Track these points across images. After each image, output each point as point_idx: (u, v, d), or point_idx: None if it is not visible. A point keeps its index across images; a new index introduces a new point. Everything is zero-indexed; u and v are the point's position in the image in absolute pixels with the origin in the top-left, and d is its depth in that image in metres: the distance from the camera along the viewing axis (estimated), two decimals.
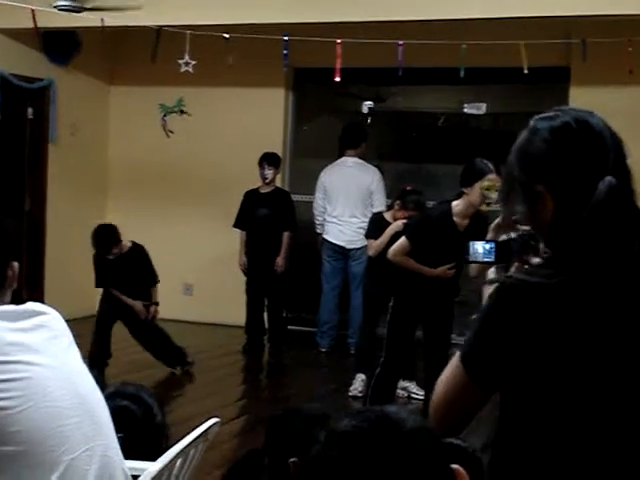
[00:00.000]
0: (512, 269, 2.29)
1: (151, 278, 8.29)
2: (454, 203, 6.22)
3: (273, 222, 9.29)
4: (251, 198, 9.41)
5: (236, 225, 9.47)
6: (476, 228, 5.90)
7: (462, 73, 8.17)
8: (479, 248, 2.41)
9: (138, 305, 8.13)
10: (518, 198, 2.09)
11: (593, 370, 1.96)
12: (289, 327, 10.08)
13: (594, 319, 1.97)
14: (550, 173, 2.03)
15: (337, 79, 8.34)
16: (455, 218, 6.18)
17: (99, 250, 8.00)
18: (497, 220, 2.47)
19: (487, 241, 2.41)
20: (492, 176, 5.96)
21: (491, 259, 2.39)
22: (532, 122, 2.10)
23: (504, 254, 2.36)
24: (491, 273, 2.35)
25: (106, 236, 7.99)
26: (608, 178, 1.97)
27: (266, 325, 9.58)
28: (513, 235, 2.35)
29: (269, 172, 9.33)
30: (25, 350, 2.58)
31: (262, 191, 9.41)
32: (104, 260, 8.02)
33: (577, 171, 2.00)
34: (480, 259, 2.42)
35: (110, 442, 2.73)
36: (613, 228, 1.97)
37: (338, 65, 8.32)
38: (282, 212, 9.33)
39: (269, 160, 9.38)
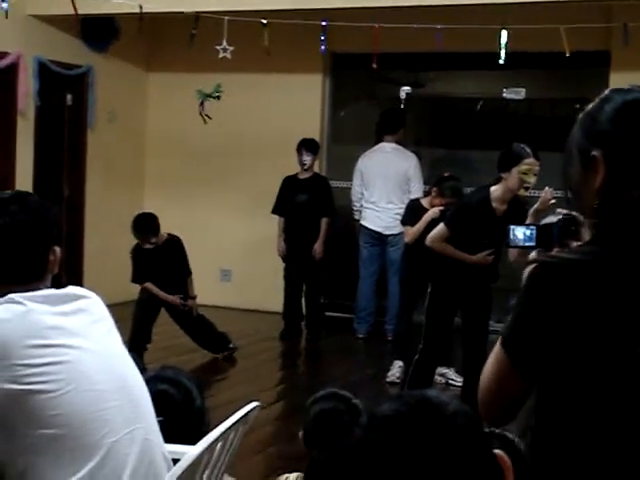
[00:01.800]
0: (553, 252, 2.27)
1: (185, 270, 8.32)
2: (492, 188, 6.19)
3: (312, 208, 9.29)
4: (290, 184, 9.41)
5: (275, 211, 9.47)
6: (514, 213, 5.87)
7: (502, 59, 8.11)
8: (519, 233, 2.40)
9: (175, 300, 8.15)
10: (573, 166, 2.06)
11: (639, 352, 1.93)
12: (327, 313, 10.06)
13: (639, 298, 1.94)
14: (611, 139, 2.01)
15: (374, 65, 8.31)
16: (493, 203, 6.14)
17: (140, 238, 8.03)
18: (536, 205, 2.46)
19: (527, 226, 2.39)
20: (530, 160, 5.92)
21: (532, 244, 2.38)
22: (607, 92, 2.09)
23: (545, 238, 2.34)
24: (534, 256, 2.33)
25: (146, 224, 8.02)
26: None
27: (304, 311, 9.59)
28: (554, 219, 2.33)
29: (307, 158, 9.32)
30: (66, 334, 2.60)
31: (301, 177, 9.41)
32: (142, 252, 8.05)
33: (637, 144, 1.99)
34: (521, 244, 2.40)
35: (151, 426, 2.75)
36: None
37: (376, 50, 8.29)
38: (320, 198, 9.32)
39: (307, 146, 9.37)
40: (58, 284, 2.76)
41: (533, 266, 2.04)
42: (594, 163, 2.01)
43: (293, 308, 9.54)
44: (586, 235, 2.14)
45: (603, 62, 9.16)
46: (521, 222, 2.56)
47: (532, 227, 2.38)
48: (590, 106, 2.09)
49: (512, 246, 2.43)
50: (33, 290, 2.64)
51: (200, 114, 9.52)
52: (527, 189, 6.04)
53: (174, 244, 8.20)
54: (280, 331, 9.46)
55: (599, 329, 1.93)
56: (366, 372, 8.28)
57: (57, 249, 2.77)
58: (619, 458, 1.95)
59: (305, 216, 9.29)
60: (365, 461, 1.36)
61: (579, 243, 2.19)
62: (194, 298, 8.33)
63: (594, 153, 2.01)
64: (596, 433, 1.96)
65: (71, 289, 2.74)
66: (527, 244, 2.39)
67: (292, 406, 7.06)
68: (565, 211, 2.26)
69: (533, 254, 2.34)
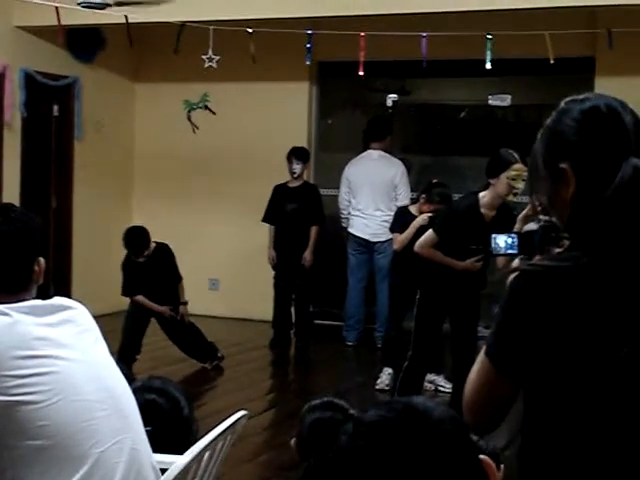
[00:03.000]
0: (534, 260, 2.28)
1: (176, 276, 8.31)
2: (481, 194, 6.20)
3: (302, 216, 9.29)
4: (280, 193, 9.39)
5: (265, 220, 9.47)
6: (503, 219, 5.89)
7: (488, 64, 8.13)
8: (501, 242, 2.41)
9: (166, 311, 8.14)
10: (542, 180, 2.09)
11: (622, 354, 1.94)
12: (316, 321, 10.08)
13: (621, 302, 1.95)
14: (577, 150, 2.03)
15: (361, 73, 8.32)
16: (482, 209, 6.16)
17: (132, 253, 8.00)
18: (525, 211, 2.47)
19: (509, 234, 2.40)
20: (518, 166, 5.94)
21: (514, 251, 2.39)
22: (562, 104, 2.12)
23: (527, 246, 2.35)
24: (516, 264, 2.34)
25: (138, 238, 7.98)
26: (633, 159, 1.97)
27: (293, 320, 9.59)
28: (535, 227, 2.34)
29: (297, 166, 9.31)
30: (52, 345, 2.60)
31: (291, 186, 9.39)
32: (133, 264, 8.02)
33: (603, 151, 2.01)
34: (503, 252, 2.42)
35: (138, 435, 2.75)
36: (638, 207, 1.96)
37: (362, 58, 8.30)
38: (311, 206, 9.33)
39: (297, 154, 9.37)
40: (46, 295, 2.76)
41: (514, 275, 2.05)
42: (564, 175, 2.03)
43: (282, 317, 9.51)
44: (566, 241, 2.15)
45: (588, 68, 9.20)
46: (510, 228, 2.56)
47: (513, 235, 2.40)
48: (549, 119, 2.12)
49: (495, 254, 2.45)
50: (19, 301, 2.63)
51: (189, 121, 9.57)
52: (516, 195, 6.05)
53: (163, 252, 8.18)
54: (269, 340, 9.45)
55: (582, 333, 1.94)
56: (356, 380, 8.28)
57: (42, 260, 2.77)
58: (607, 459, 1.96)
59: (295, 224, 9.28)
60: (351, 468, 1.36)
61: (560, 249, 2.21)
62: (185, 304, 8.31)
63: (562, 166, 2.03)
64: (583, 436, 1.97)
65: (57, 300, 2.73)
66: (509, 252, 2.40)
67: (281, 415, 7.05)
68: (546, 218, 2.27)
69: (516, 262, 2.35)
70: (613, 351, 1.93)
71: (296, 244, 9.28)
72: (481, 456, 1.42)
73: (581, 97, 2.10)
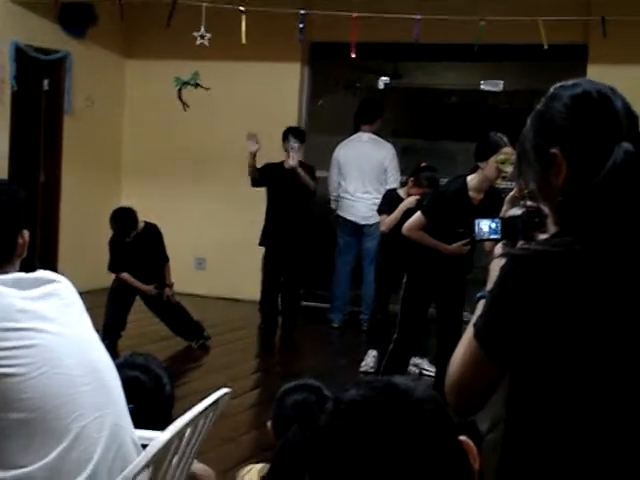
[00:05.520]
0: (518, 245, 2.27)
1: (163, 257, 8.30)
2: (469, 177, 6.21)
3: (297, 198, 9.09)
4: (274, 172, 9.07)
5: (255, 184, 9.19)
6: (491, 202, 5.90)
7: (476, 48, 8.13)
8: (484, 226, 2.40)
9: (151, 290, 8.14)
10: (531, 165, 2.08)
11: (612, 340, 1.94)
12: (303, 303, 10.06)
13: (613, 287, 1.95)
14: (568, 135, 2.02)
15: (353, 55, 8.30)
16: (470, 192, 6.17)
17: (119, 234, 7.99)
18: (512, 192, 2.46)
19: (492, 219, 2.39)
20: (507, 149, 5.94)
21: (497, 236, 2.38)
22: (552, 89, 2.11)
23: (510, 231, 2.34)
24: (498, 249, 2.34)
25: (126, 220, 7.96)
26: (625, 143, 1.97)
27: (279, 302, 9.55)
28: (518, 212, 2.33)
29: (295, 145, 8.98)
30: (35, 318, 2.59)
31: (286, 166, 9.00)
32: (121, 243, 8.01)
33: (595, 136, 2.00)
34: (486, 237, 2.41)
35: (121, 411, 2.75)
36: (629, 191, 1.96)
37: (354, 40, 8.28)
38: (306, 188, 9.06)
39: (295, 133, 9.12)
40: (30, 269, 2.75)
41: (506, 259, 2.05)
42: (554, 160, 2.03)
43: (270, 300, 9.42)
44: (551, 227, 2.14)
45: (581, 55, 9.20)
46: (498, 211, 2.55)
47: (497, 220, 2.39)
48: (539, 105, 2.11)
49: (478, 239, 2.44)
50: (2, 274, 2.62)
51: (179, 99, 9.52)
52: (504, 178, 6.07)
53: (151, 232, 8.17)
54: (258, 324, 9.37)
55: (574, 319, 1.94)
56: (340, 362, 8.29)
57: (26, 232, 2.76)
58: (593, 447, 1.96)
59: (289, 207, 9.10)
60: (331, 446, 1.36)
61: (545, 235, 2.20)
62: (171, 286, 8.31)
63: (553, 151, 2.03)
64: (569, 422, 1.97)
65: (41, 273, 2.72)
66: (492, 237, 2.39)
67: (265, 395, 7.05)
68: (530, 203, 2.27)
69: (498, 247, 2.34)
70: (603, 338, 1.93)
71: (288, 227, 9.13)
72: (461, 437, 1.42)
73: (571, 83, 2.09)
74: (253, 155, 8.97)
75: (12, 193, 2.75)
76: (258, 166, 9.06)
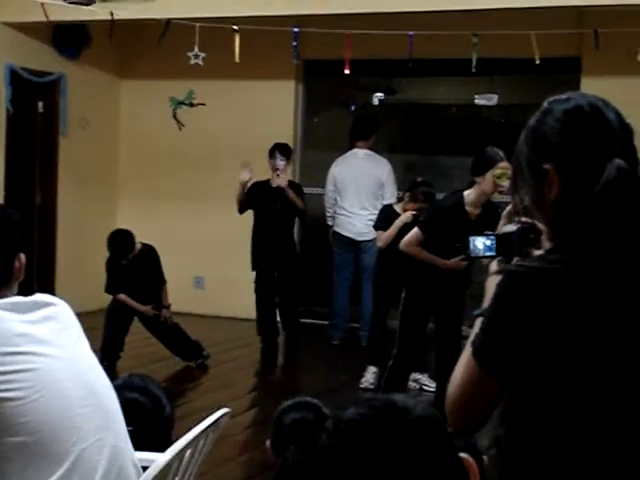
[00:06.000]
0: (513, 262, 2.26)
1: (160, 279, 8.29)
2: (466, 192, 6.22)
3: (285, 217, 8.98)
4: (261, 191, 8.90)
5: (242, 211, 9.04)
6: (488, 217, 5.91)
7: (474, 63, 8.15)
8: (479, 244, 2.39)
9: (149, 311, 8.13)
10: (526, 180, 2.08)
11: (610, 356, 1.94)
12: (301, 320, 10.02)
13: (609, 303, 1.95)
14: (560, 151, 2.02)
15: (347, 71, 8.32)
16: (467, 207, 6.17)
17: (116, 256, 7.98)
18: (508, 207, 2.45)
19: (487, 236, 2.38)
20: (503, 164, 5.95)
21: (492, 253, 2.37)
22: (545, 104, 2.11)
23: (505, 247, 2.33)
24: (494, 266, 2.33)
25: (123, 242, 7.95)
26: (617, 160, 1.96)
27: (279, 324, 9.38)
28: (513, 228, 2.33)
29: (281, 162, 8.86)
30: (34, 341, 2.59)
31: (274, 185, 8.86)
32: (118, 265, 8.01)
33: (587, 152, 2.00)
34: (481, 254, 2.39)
35: (120, 433, 2.74)
36: (622, 208, 1.95)
37: (348, 57, 8.30)
38: (294, 206, 8.92)
39: (282, 150, 8.98)
40: (29, 292, 2.74)
41: (501, 276, 2.04)
42: (547, 176, 2.02)
43: (267, 323, 9.17)
44: (545, 243, 2.14)
45: (574, 68, 9.22)
46: (495, 225, 2.55)
47: (492, 237, 2.37)
48: (532, 120, 2.11)
49: (473, 257, 2.42)
50: (0, 297, 2.62)
51: (174, 118, 9.54)
52: (501, 193, 6.08)
53: (148, 254, 8.16)
54: (260, 348, 9.16)
55: (570, 335, 1.93)
56: (340, 378, 8.27)
57: (22, 255, 2.75)
58: (591, 461, 1.95)
59: (278, 225, 8.95)
60: (331, 465, 1.36)
61: (540, 251, 2.20)
62: (168, 307, 8.30)
63: (546, 167, 2.03)
64: (568, 437, 1.96)
65: (39, 296, 2.72)
66: (487, 254, 2.38)
67: (265, 413, 7.01)
68: (524, 219, 2.26)
69: (493, 264, 2.33)
70: (600, 353, 1.93)
71: (278, 246, 8.97)
72: (462, 454, 1.42)
73: (564, 97, 2.09)
74: (243, 185, 8.78)
75: (7, 217, 2.74)
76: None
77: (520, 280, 1.99)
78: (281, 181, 8.78)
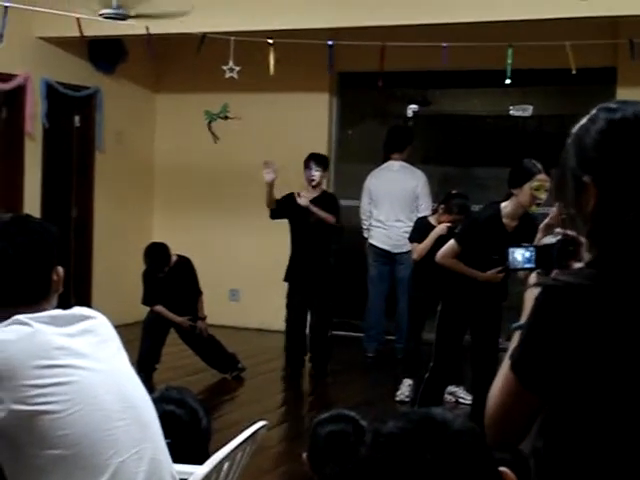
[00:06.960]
0: (552, 274, 2.25)
1: (196, 290, 8.32)
2: (503, 204, 6.19)
3: (321, 230, 8.65)
4: (293, 203, 8.60)
5: (274, 216, 8.80)
6: (525, 229, 5.87)
7: (509, 74, 8.12)
8: (518, 255, 2.37)
9: (185, 323, 8.16)
10: (568, 190, 2.06)
11: None
12: (335, 332, 9.94)
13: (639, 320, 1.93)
14: (599, 165, 1.99)
15: (380, 84, 8.32)
16: (504, 219, 6.15)
17: (153, 269, 8.03)
18: (546, 220, 2.43)
19: (526, 248, 2.37)
20: (541, 176, 5.93)
21: (532, 265, 2.35)
22: (595, 110, 2.07)
23: (544, 260, 2.32)
24: (532, 279, 2.31)
25: (159, 255, 8.01)
26: None
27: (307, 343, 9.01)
28: (553, 240, 2.31)
29: (316, 173, 8.66)
30: (72, 354, 2.60)
31: (309, 196, 8.64)
32: (154, 277, 8.06)
33: (627, 167, 1.97)
34: (520, 266, 2.38)
35: (158, 445, 2.74)
36: None
37: (382, 69, 8.30)
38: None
39: (317, 160, 8.76)
40: (66, 305, 2.76)
41: (539, 290, 2.03)
42: (585, 190, 2.01)
43: (295, 340, 8.87)
44: (585, 255, 2.12)
45: (610, 78, 9.18)
46: (532, 238, 2.53)
47: (531, 249, 2.36)
48: (579, 126, 2.08)
49: (512, 269, 2.41)
50: (39, 311, 2.64)
51: (210, 132, 9.58)
52: (539, 205, 6.05)
53: (184, 265, 8.20)
54: (283, 367, 8.96)
55: (608, 351, 1.92)
56: (376, 391, 8.25)
57: (60, 269, 2.78)
58: (632, 472, 1.94)
59: (313, 238, 8.67)
60: (372, 479, 1.36)
61: (579, 264, 2.18)
62: (204, 319, 8.32)
63: (584, 179, 2.01)
64: (607, 452, 1.95)
65: (77, 310, 2.74)
66: (527, 266, 2.36)
67: (301, 426, 7.03)
68: (564, 230, 2.25)
69: (532, 277, 2.32)
70: (630, 371, 1.92)
71: (313, 259, 8.68)
72: (501, 468, 1.41)
73: (613, 106, 2.05)
74: (270, 185, 8.55)
75: (44, 231, 2.76)
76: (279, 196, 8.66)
77: (555, 295, 1.98)
78: (303, 201, 8.53)
